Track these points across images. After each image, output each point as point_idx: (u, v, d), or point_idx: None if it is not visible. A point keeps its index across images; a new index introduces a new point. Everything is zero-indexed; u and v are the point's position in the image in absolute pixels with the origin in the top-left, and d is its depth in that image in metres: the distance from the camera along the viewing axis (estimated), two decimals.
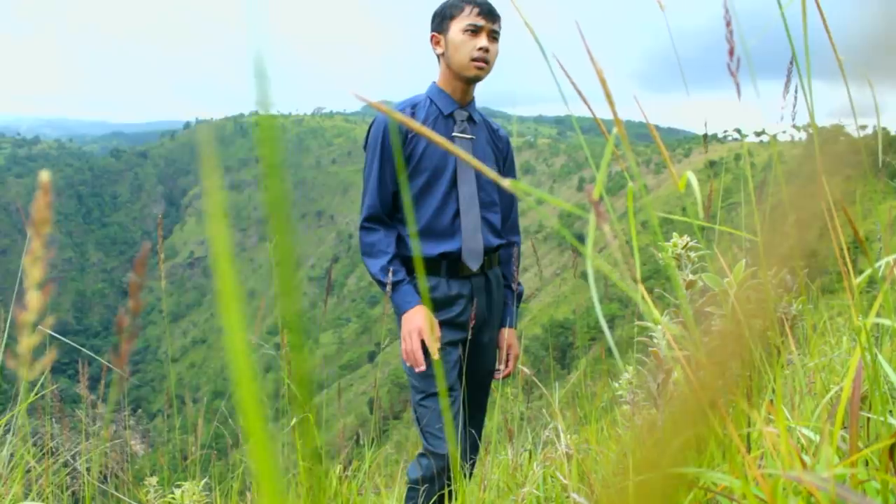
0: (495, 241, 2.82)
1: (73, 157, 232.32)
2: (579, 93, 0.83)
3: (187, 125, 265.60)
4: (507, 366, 2.91)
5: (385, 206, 2.71)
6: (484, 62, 2.67)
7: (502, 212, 2.91)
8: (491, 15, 2.66)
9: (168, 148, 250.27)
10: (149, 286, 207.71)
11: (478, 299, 2.76)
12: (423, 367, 2.55)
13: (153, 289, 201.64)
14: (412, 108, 2.75)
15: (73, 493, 2.97)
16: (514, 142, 2.37)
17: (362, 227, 2.74)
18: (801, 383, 1.45)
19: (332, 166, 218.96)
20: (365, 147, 2.78)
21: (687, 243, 1.68)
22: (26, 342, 0.49)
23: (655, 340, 1.54)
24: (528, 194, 0.55)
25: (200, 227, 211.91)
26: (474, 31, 2.64)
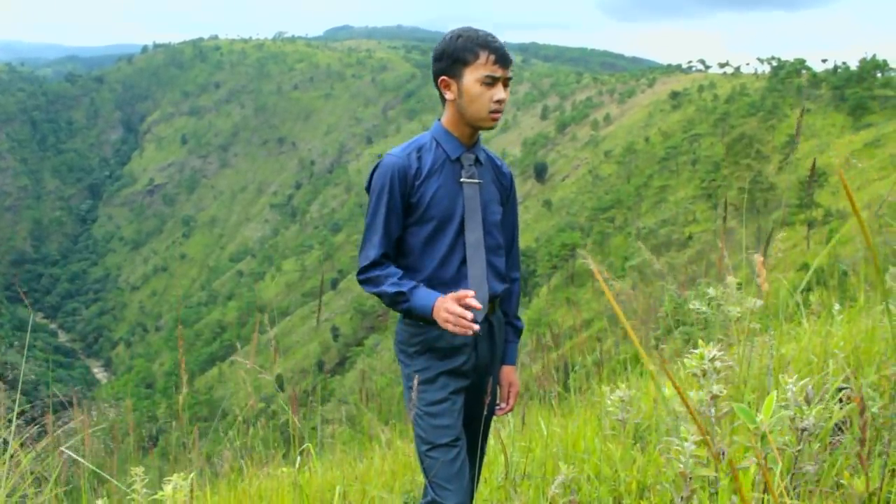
0: (500, 288, 2.74)
1: (26, 82, 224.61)
2: None
3: (145, 49, 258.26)
4: (507, 403, 2.89)
5: (387, 257, 2.63)
6: (500, 112, 2.61)
7: (505, 251, 2.84)
8: (506, 61, 2.57)
9: (125, 73, 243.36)
10: (107, 213, 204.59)
11: (481, 347, 2.70)
12: (476, 328, 2.42)
13: (112, 216, 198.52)
14: (418, 151, 2.65)
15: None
16: None
17: (361, 274, 2.65)
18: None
19: (294, 92, 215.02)
20: (367, 189, 2.68)
21: (714, 357, 1.66)
22: None
23: (682, 456, 1.59)
24: None
25: (160, 154, 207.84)
26: (491, 82, 2.56)
